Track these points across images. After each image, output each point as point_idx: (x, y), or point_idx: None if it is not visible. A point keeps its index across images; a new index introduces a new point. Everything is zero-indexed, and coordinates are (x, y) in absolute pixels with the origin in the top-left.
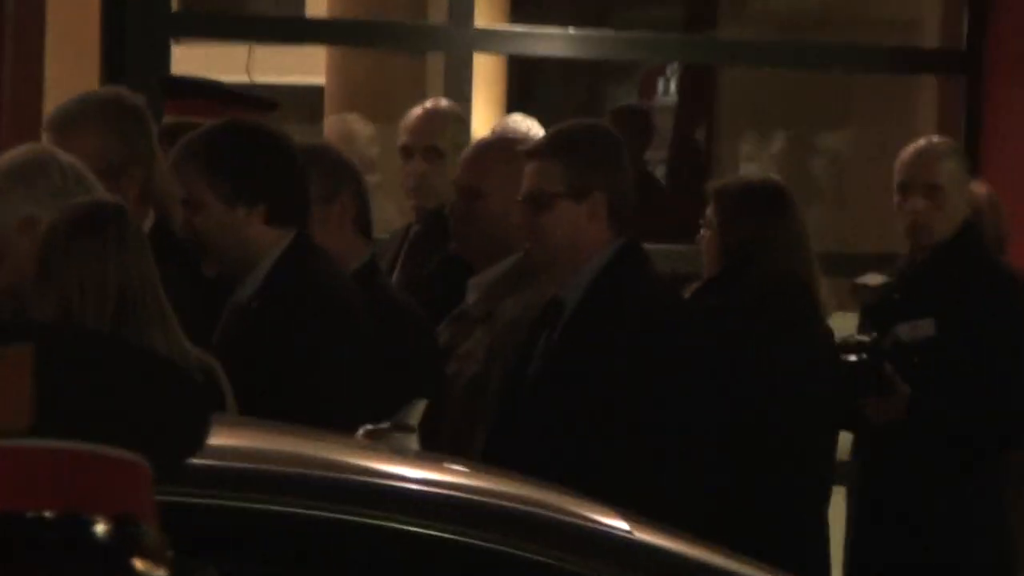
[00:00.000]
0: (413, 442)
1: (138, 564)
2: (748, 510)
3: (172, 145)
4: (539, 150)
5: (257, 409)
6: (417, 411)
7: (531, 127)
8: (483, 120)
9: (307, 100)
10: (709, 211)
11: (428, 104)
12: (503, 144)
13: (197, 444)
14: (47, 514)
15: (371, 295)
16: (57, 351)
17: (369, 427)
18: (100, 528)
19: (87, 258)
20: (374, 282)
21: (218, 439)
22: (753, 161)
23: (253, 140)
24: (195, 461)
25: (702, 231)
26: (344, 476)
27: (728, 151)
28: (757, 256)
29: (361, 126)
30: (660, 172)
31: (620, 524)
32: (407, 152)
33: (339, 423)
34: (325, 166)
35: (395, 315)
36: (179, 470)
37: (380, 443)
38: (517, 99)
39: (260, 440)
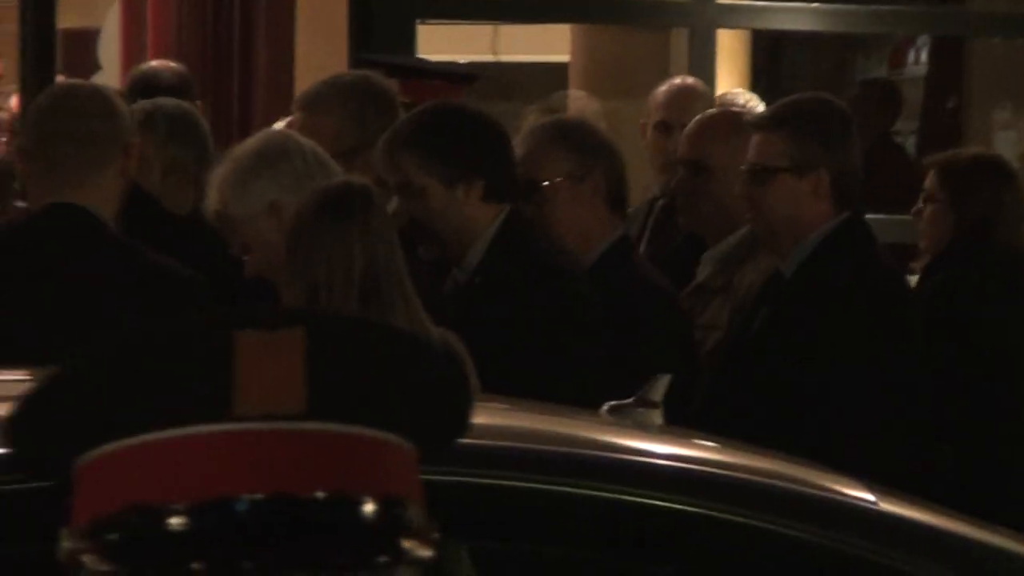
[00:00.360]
0: (657, 417)
1: (405, 544)
2: (972, 486)
3: None
4: (763, 123)
5: (492, 388)
6: (661, 386)
7: (749, 100)
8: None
9: (553, 78)
10: (930, 185)
11: (677, 80)
12: (725, 117)
13: (463, 427)
14: (319, 495)
15: (623, 271)
16: (326, 334)
17: (613, 403)
18: (368, 509)
19: (334, 242)
20: (626, 259)
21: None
22: (1010, 130)
23: (461, 119)
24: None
25: (921, 205)
26: (589, 452)
27: (980, 122)
28: (991, 230)
29: (586, 102)
30: (910, 144)
31: (865, 495)
32: (666, 128)
33: (578, 399)
34: (576, 142)
35: (645, 290)
36: (445, 452)
37: (624, 419)
38: (761, 74)
39: (506, 418)
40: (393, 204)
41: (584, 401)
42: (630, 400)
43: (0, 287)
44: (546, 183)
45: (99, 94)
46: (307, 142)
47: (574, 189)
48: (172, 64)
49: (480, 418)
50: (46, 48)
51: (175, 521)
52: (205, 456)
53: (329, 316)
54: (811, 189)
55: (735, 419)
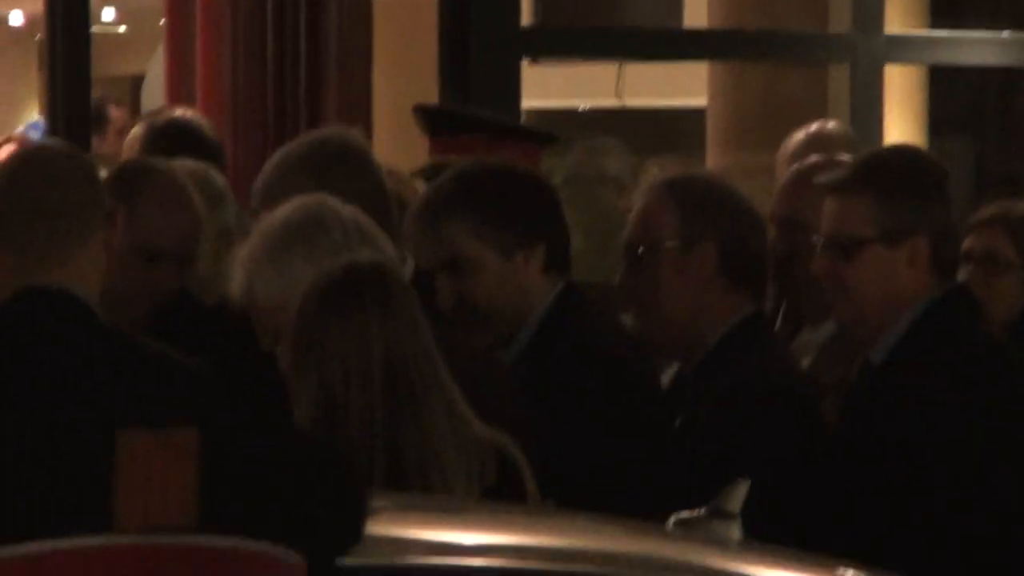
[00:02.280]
0: (735, 531)
1: None
2: None
3: None
4: (843, 185)
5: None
6: (739, 494)
7: (840, 135)
8: (897, 141)
9: (687, 124)
10: (993, 242)
11: (813, 127)
12: (825, 167)
13: (356, 537)
14: None
15: (746, 359)
16: (221, 436)
17: (683, 515)
18: None
19: (344, 335)
20: (751, 344)
21: (525, 535)
22: None
23: (511, 178)
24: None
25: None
26: None
27: None
28: None
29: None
30: None
31: None
32: None
33: (643, 509)
34: (685, 204)
35: (762, 384)
36: (334, 566)
37: (696, 533)
38: (938, 115)
39: (561, 535)
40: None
41: (644, 510)
42: (702, 511)
43: None
44: (644, 250)
45: (75, 155)
46: (347, 208)
47: (679, 260)
48: (201, 117)
49: (540, 538)
50: (80, 97)
51: None
52: (84, 572)
53: (227, 415)
54: (908, 259)
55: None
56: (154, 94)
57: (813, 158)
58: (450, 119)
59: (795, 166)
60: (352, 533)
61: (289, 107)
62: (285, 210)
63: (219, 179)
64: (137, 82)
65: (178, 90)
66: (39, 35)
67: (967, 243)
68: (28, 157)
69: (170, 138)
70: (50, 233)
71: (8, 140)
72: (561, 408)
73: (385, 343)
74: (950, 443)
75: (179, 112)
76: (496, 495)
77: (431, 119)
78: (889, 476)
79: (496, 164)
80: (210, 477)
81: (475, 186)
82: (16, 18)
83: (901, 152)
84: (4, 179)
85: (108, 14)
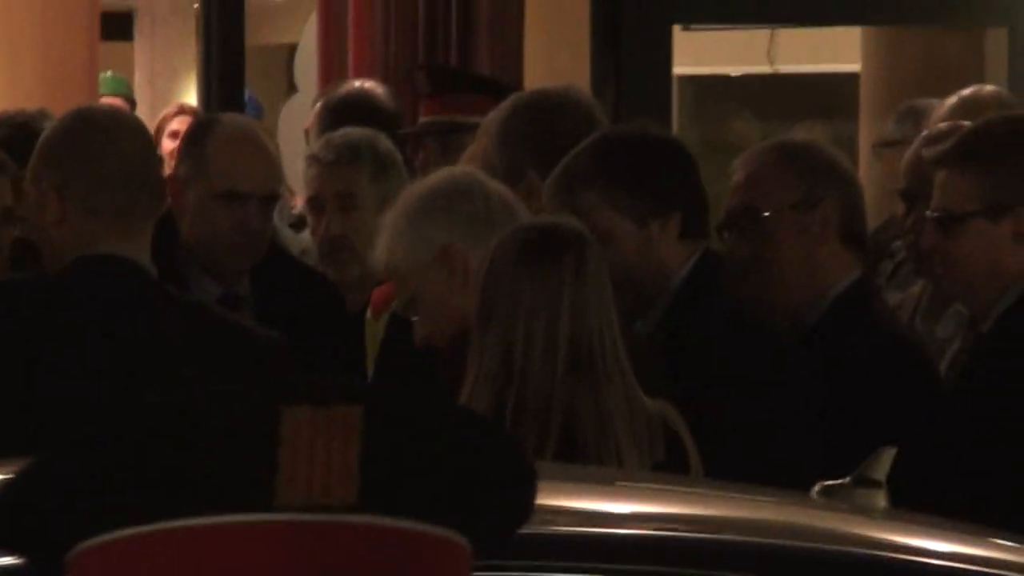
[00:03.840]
0: (881, 499)
1: None
2: None
3: (440, 144)
4: (946, 158)
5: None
6: (885, 461)
7: (1002, 103)
8: None
9: (840, 90)
10: None
11: (967, 92)
12: (943, 138)
13: (524, 517)
14: None
15: (859, 320)
16: (386, 414)
17: (826, 483)
18: None
19: (535, 293)
20: (865, 305)
21: (671, 504)
22: None
23: (649, 147)
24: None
25: None
26: (806, 546)
27: None
28: None
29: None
30: None
31: None
32: None
33: (789, 477)
34: (803, 166)
35: (883, 346)
36: (504, 545)
37: (840, 501)
38: None
39: (707, 504)
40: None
41: (792, 479)
42: (847, 479)
43: (37, 350)
44: (767, 213)
45: (141, 125)
46: (496, 184)
47: (800, 219)
48: (378, 87)
49: (686, 508)
50: (233, 67)
51: None
52: (240, 549)
53: (390, 392)
54: (1010, 233)
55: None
56: (307, 64)
57: (941, 127)
58: (457, 78)
59: (921, 135)
60: (521, 513)
61: None
62: (433, 178)
63: (383, 145)
64: (291, 51)
65: (330, 60)
66: (196, 3)
67: None
68: (99, 123)
69: (339, 113)
70: (124, 203)
71: (182, 110)
72: (704, 378)
73: (573, 309)
74: None
75: (356, 84)
76: (663, 470)
77: (439, 76)
78: (1008, 444)
79: (632, 131)
80: (373, 454)
81: (609, 155)
82: None
83: (1009, 121)
84: (76, 143)
85: None
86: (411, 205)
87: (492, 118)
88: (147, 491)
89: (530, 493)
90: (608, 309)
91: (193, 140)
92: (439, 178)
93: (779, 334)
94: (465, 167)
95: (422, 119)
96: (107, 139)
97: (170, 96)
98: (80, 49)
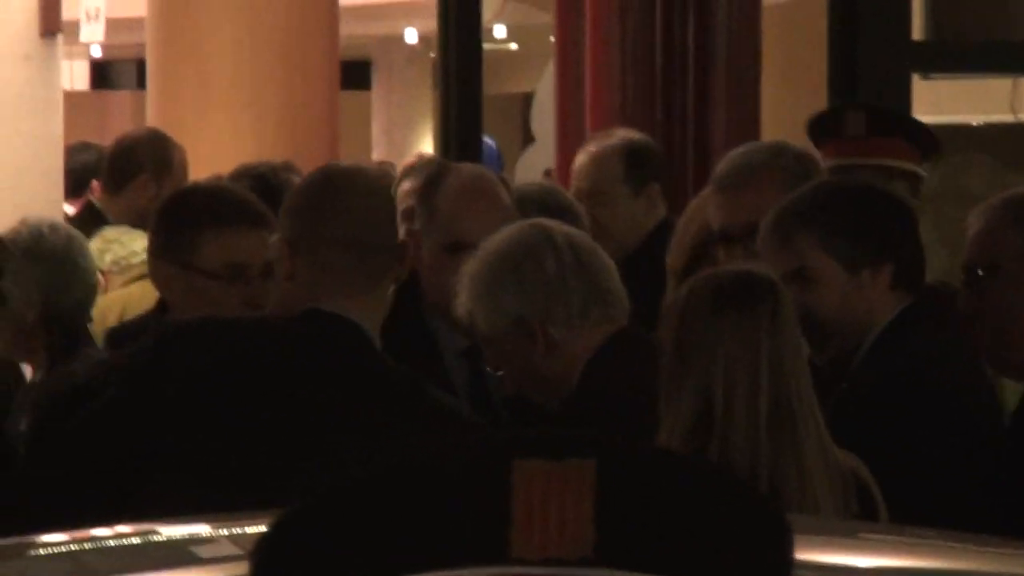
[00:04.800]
0: None
1: None
2: None
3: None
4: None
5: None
6: None
7: None
8: None
9: None
10: None
11: None
12: None
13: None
14: None
15: None
16: (620, 466)
17: None
18: None
19: (735, 340)
20: None
21: (912, 558)
22: None
23: (869, 197)
24: None
25: None
26: None
27: None
28: None
29: None
30: None
31: None
32: None
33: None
34: None
35: None
36: None
37: None
38: None
39: (948, 557)
40: None
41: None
42: None
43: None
44: (1003, 267)
45: (381, 186)
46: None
47: (1020, 277)
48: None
49: (932, 561)
50: (471, 115)
51: None
52: None
53: (623, 445)
54: None
55: None
56: (543, 111)
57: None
58: (897, 121)
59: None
60: (778, 570)
61: (677, 123)
62: (502, 235)
63: (564, 196)
64: (527, 100)
65: (568, 107)
66: (432, 53)
67: None
68: (343, 182)
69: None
70: (358, 265)
71: (421, 159)
72: (887, 433)
73: (771, 359)
74: None
75: (622, 133)
76: None
77: (878, 119)
78: None
79: (855, 181)
80: (608, 508)
81: (830, 200)
82: (411, 36)
83: None
84: (332, 200)
85: (500, 31)
86: (485, 269)
87: None
88: (385, 546)
89: (787, 549)
90: (800, 358)
91: (425, 191)
92: (509, 238)
93: (968, 387)
94: (534, 220)
95: (839, 161)
96: (341, 197)
97: (406, 146)
98: (320, 98)
